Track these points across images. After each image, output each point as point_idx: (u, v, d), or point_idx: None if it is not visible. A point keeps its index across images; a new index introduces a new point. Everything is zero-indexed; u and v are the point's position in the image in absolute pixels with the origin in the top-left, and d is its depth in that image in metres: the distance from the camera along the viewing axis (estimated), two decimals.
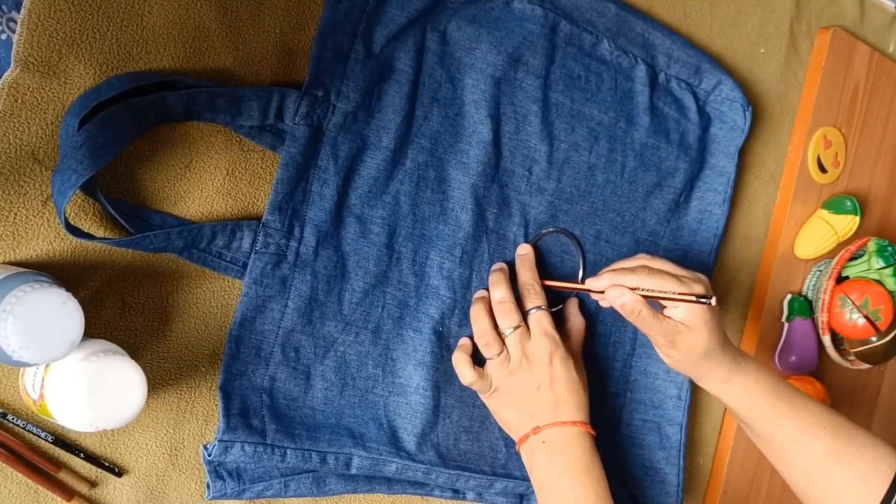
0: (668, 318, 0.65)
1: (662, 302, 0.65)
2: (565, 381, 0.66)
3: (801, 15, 0.86)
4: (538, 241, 0.71)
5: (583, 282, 0.68)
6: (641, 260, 0.66)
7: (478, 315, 0.66)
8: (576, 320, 0.71)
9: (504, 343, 0.66)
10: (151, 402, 0.58)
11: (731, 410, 0.71)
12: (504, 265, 0.69)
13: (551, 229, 0.71)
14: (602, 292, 0.65)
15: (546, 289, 0.69)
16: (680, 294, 0.63)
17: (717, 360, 0.67)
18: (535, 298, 0.67)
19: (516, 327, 0.66)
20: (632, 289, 0.64)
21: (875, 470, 0.64)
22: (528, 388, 0.66)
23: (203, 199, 0.59)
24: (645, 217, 0.76)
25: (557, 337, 0.66)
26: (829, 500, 0.66)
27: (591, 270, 0.74)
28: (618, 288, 0.64)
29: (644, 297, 0.64)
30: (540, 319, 0.67)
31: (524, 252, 0.70)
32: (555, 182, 0.71)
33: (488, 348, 0.66)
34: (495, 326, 0.66)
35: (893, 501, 0.63)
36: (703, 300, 0.64)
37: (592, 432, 0.66)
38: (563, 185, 0.72)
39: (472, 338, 0.68)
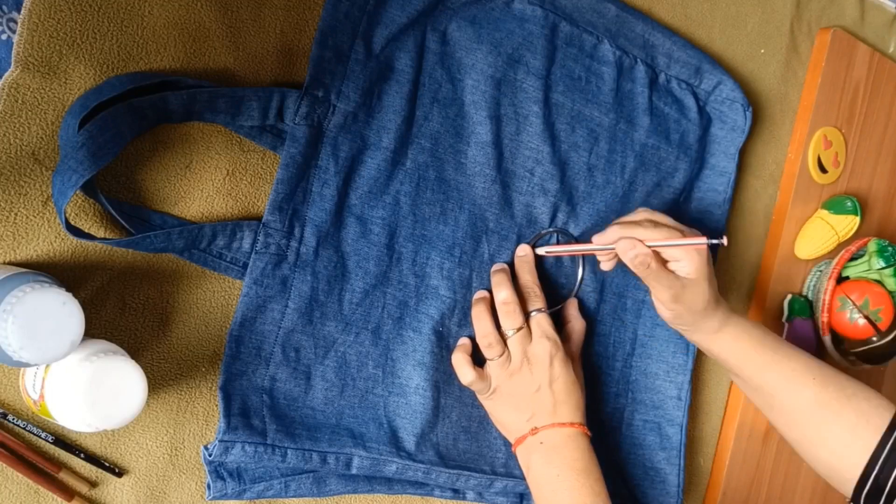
0: (673, 271, 0.67)
1: (665, 256, 0.66)
2: (564, 383, 0.66)
3: (801, 15, 0.86)
4: (537, 242, 0.71)
5: (573, 244, 0.69)
6: (644, 213, 0.67)
7: (480, 315, 0.67)
8: (576, 322, 0.71)
9: (505, 344, 0.66)
10: (152, 403, 0.58)
11: (721, 361, 0.72)
12: (505, 266, 0.69)
13: (551, 229, 0.71)
14: (611, 251, 0.67)
15: (544, 290, 0.69)
16: (689, 238, 0.65)
17: (712, 311, 0.69)
18: (535, 301, 0.68)
19: (519, 329, 0.66)
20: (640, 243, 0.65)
21: (867, 422, 0.64)
22: (527, 389, 0.66)
23: (203, 200, 0.59)
24: None
25: (558, 339, 0.67)
26: (820, 451, 0.67)
27: (590, 270, 0.74)
28: (629, 240, 0.65)
29: (653, 249, 0.65)
30: (541, 322, 0.67)
31: (523, 253, 0.70)
32: (557, 183, 0.71)
33: (490, 349, 0.66)
34: (497, 327, 0.66)
35: (884, 455, 0.63)
36: (716, 241, 0.65)
37: (589, 433, 0.66)
38: (564, 186, 0.71)
39: (472, 338, 0.68)
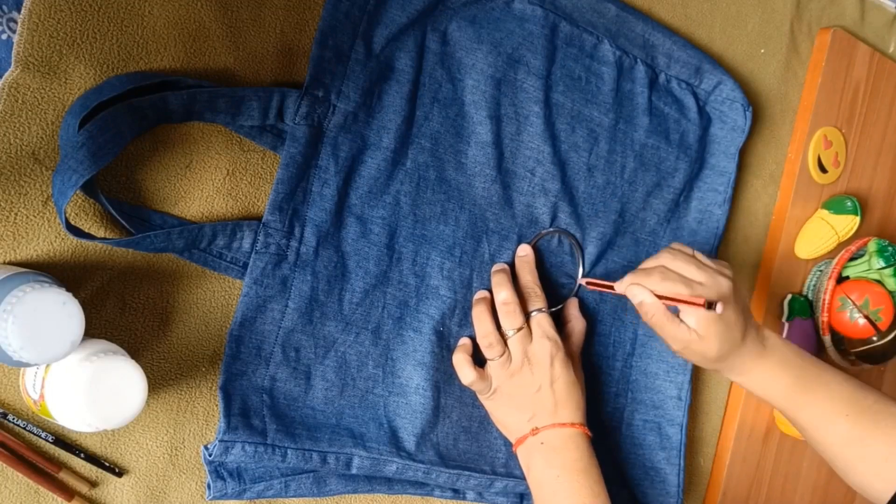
0: (683, 322, 0.66)
1: (680, 306, 0.66)
2: (565, 383, 0.66)
3: (801, 15, 0.86)
4: (538, 242, 0.71)
5: (609, 282, 0.69)
6: (663, 259, 0.66)
7: (480, 315, 0.67)
8: (577, 322, 0.71)
9: (506, 344, 0.66)
10: (152, 403, 0.58)
11: (756, 395, 0.72)
12: (506, 266, 0.69)
13: (551, 230, 0.71)
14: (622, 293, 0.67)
15: (545, 290, 0.69)
16: (689, 297, 0.64)
17: (732, 359, 0.68)
18: (536, 301, 0.68)
19: (519, 329, 0.66)
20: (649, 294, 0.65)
21: None
22: (528, 389, 0.66)
23: (203, 200, 0.59)
24: (645, 217, 0.76)
25: (558, 339, 0.67)
26: (851, 479, 0.67)
27: (591, 271, 0.74)
28: (637, 287, 0.66)
29: (661, 298, 0.65)
30: (541, 322, 0.67)
31: (524, 253, 0.70)
32: (557, 183, 0.71)
33: (491, 349, 0.66)
34: (498, 327, 0.66)
35: None
36: (712, 309, 0.65)
37: (590, 434, 0.66)
38: (565, 187, 0.71)
39: (473, 338, 0.68)
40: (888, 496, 0.64)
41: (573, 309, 0.72)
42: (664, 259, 0.66)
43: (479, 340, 0.67)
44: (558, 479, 0.63)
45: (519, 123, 0.69)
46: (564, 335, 0.70)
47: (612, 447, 0.76)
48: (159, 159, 0.57)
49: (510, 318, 0.66)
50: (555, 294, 0.72)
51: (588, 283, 0.71)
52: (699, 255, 0.67)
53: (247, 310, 0.59)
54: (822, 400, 0.67)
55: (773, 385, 0.69)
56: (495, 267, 0.69)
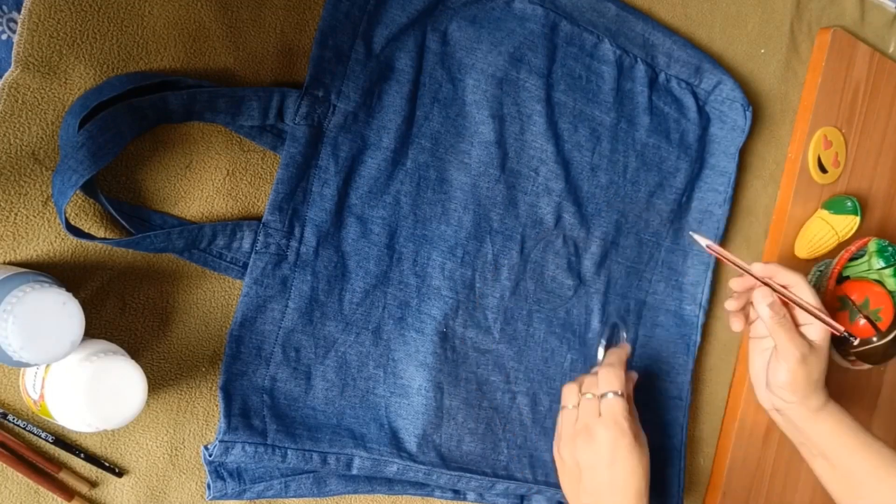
0: (804, 334, 0.68)
1: (797, 319, 0.69)
2: (624, 468, 0.65)
3: (801, 15, 0.86)
4: (604, 337, 0.74)
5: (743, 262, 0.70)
6: (801, 275, 0.69)
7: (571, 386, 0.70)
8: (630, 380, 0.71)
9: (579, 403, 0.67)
10: (152, 403, 0.58)
11: (810, 442, 0.72)
12: (629, 349, 0.73)
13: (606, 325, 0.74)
14: (760, 283, 0.68)
15: (550, 292, 0.70)
16: (842, 328, 0.69)
17: (820, 387, 0.70)
18: (613, 384, 0.67)
19: (594, 396, 0.67)
20: (783, 290, 0.68)
21: None
22: (584, 464, 0.66)
23: (203, 200, 0.59)
24: (648, 218, 0.76)
25: (628, 426, 0.65)
26: None
27: (593, 271, 0.74)
28: (766, 289, 0.67)
29: (797, 303, 0.68)
30: (615, 407, 0.66)
31: (623, 348, 0.72)
32: (561, 183, 0.71)
33: (569, 392, 0.68)
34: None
35: None
36: (848, 335, 0.69)
37: None
38: (568, 186, 0.71)
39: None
40: None
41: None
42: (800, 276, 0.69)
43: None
44: None
45: (522, 123, 0.69)
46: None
47: None
48: (159, 159, 0.57)
49: (603, 381, 0.67)
50: (558, 294, 0.72)
51: (709, 248, 0.69)
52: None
53: (247, 310, 0.59)
54: (882, 450, 0.69)
55: (841, 427, 0.70)
56: (621, 348, 0.73)
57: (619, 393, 0.67)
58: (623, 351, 0.72)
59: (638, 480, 0.65)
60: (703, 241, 0.69)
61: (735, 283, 0.71)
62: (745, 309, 0.73)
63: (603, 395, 0.67)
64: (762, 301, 0.67)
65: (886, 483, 0.68)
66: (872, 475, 0.69)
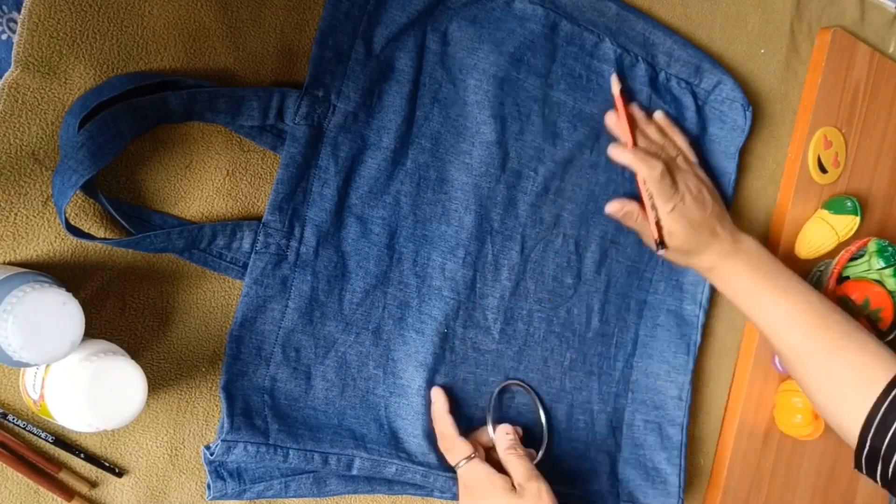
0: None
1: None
2: None
3: (801, 15, 0.86)
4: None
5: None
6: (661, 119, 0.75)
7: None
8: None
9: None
10: (152, 403, 0.58)
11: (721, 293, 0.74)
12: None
13: (511, 382, 0.70)
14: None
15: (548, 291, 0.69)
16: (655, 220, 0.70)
17: (702, 252, 0.71)
18: (510, 446, 0.65)
19: (468, 458, 0.63)
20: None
21: (860, 377, 0.63)
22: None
23: (203, 200, 0.59)
24: None
25: (546, 492, 0.61)
26: (818, 400, 0.67)
27: (594, 271, 0.74)
28: (620, 202, 0.71)
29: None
30: (519, 469, 0.62)
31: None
32: (560, 182, 0.71)
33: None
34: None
35: (878, 418, 0.61)
36: (658, 250, 0.71)
37: None
38: (568, 185, 0.71)
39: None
40: (851, 423, 0.62)
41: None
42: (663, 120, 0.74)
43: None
44: None
45: (522, 123, 0.69)
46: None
47: (613, 447, 0.76)
48: (159, 159, 0.57)
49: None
50: (558, 294, 0.72)
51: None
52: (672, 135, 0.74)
53: (247, 310, 0.59)
54: (783, 305, 0.68)
55: (737, 283, 0.71)
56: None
57: (518, 451, 0.64)
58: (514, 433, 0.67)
59: None
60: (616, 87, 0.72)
61: (610, 119, 0.73)
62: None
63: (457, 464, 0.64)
64: (613, 212, 0.72)
65: (787, 342, 0.67)
66: (773, 337, 0.69)
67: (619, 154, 0.71)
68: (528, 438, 0.70)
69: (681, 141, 0.74)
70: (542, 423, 0.71)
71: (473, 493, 0.62)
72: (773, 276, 0.70)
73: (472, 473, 0.63)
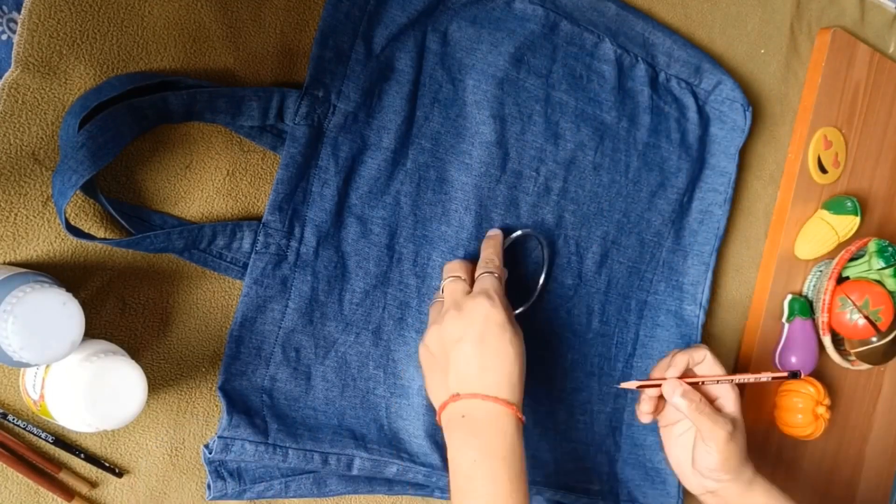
0: (722, 408, 0.68)
1: (708, 395, 0.69)
2: (495, 347, 0.58)
3: (801, 15, 0.86)
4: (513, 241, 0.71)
5: (656, 380, 0.70)
6: (705, 348, 0.69)
7: (452, 264, 0.65)
8: None
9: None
10: (152, 403, 0.58)
11: None
12: (500, 234, 0.67)
13: (520, 233, 0.70)
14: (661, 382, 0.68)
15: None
16: (769, 374, 0.68)
17: (747, 458, 0.69)
18: (488, 265, 0.63)
19: (456, 278, 0.62)
20: (694, 379, 0.67)
21: None
22: (450, 338, 0.59)
23: (203, 200, 0.59)
24: (650, 218, 0.76)
25: (501, 303, 0.59)
26: None
27: (595, 271, 0.74)
28: (672, 382, 0.67)
29: (701, 387, 0.68)
30: (485, 281, 0.61)
31: (494, 234, 0.67)
32: (561, 182, 0.71)
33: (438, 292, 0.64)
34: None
35: None
36: (795, 375, 0.69)
37: (522, 418, 0.58)
38: (570, 185, 0.71)
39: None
40: None
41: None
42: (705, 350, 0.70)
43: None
44: (475, 464, 0.56)
45: (523, 123, 0.69)
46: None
47: (612, 447, 0.76)
48: (159, 159, 0.57)
49: (453, 267, 0.63)
50: (558, 294, 0.72)
51: (640, 388, 0.70)
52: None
53: (247, 310, 0.59)
54: None
55: (774, 500, 0.69)
56: (490, 235, 0.67)
57: (494, 273, 0.62)
58: (496, 240, 0.66)
59: (511, 364, 0.58)
60: (633, 386, 0.70)
61: (646, 405, 0.71)
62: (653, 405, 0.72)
63: (477, 277, 0.62)
64: (673, 393, 0.66)
65: None
66: None
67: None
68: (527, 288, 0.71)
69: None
70: (540, 276, 0.71)
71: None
72: (787, 499, 0.70)
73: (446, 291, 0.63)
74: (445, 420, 0.59)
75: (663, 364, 0.71)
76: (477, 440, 0.57)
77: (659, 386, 0.69)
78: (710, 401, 0.68)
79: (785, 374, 0.68)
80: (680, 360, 0.69)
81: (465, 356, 0.58)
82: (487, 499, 0.56)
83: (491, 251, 0.65)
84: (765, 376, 0.67)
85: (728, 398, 0.68)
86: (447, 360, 0.59)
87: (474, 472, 0.56)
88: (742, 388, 0.85)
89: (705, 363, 0.69)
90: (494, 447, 0.56)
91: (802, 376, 0.67)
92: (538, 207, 0.70)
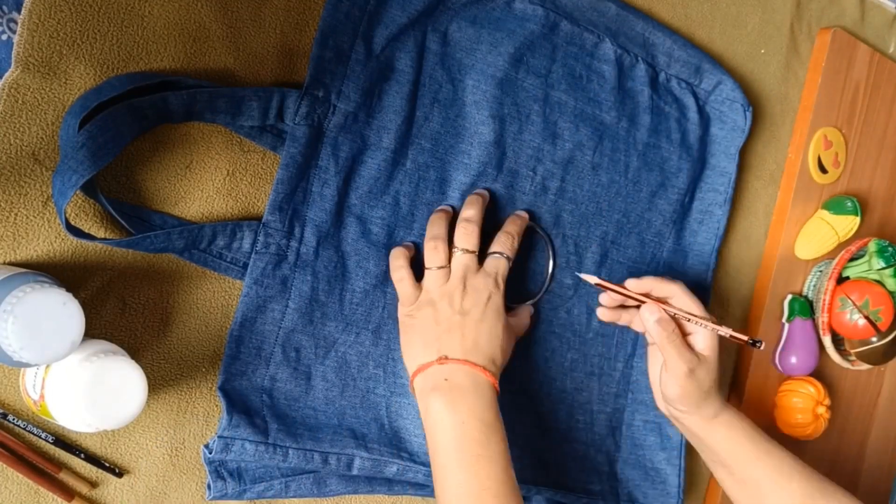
0: (691, 346, 0.68)
1: (684, 328, 0.68)
2: (490, 328, 0.62)
3: (801, 15, 0.86)
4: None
5: (621, 285, 0.69)
6: (680, 283, 0.68)
7: (437, 221, 0.64)
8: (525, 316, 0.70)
9: (451, 259, 0.63)
10: (152, 403, 0.58)
11: (710, 450, 0.71)
12: (487, 194, 0.67)
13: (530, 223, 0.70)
14: (643, 300, 0.68)
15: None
16: (730, 331, 0.67)
17: (714, 396, 0.69)
18: (507, 247, 0.65)
19: (469, 252, 0.63)
20: (666, 304, 0.67)
21: None
22: (451, 313, 0.61)
23: (203, 200, 0.59)
24: (651, 218, 0.76)
25: (503, 289, 0.63)
26: None
27: (595, 271, 0.74)
28: (653, 305, 0.67)
29: (677, 318, 0.67)
30: (499, 265, 0.64)
31: (523, 215, 0.68)
32: (559, 182, 0.71)
33: (435, 254, 0.62)
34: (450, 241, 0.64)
35: None
36: (756, 343, 0.68)
37: (497, 388, 0.61)
38: (568, 185, 0.71)
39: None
40: None
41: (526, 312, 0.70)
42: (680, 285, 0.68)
43: (425, 242, 0.64)
44: (463, 425, 0.58)
45: (521, 123, 0.69)
46: (512, 313, 0.68)
47: (612, 447, 0.76)
48: (159, 159, 0.57)
49: (468, 237, 0.63)
50: (558, 294, 0.72)
51: (598, 285, 0.70)
52: None
53: (247, 310, 0.59)
54: (778, 456, 0.68)
55: (735, 436, 0.69)
56: (477, 191, 0.67)
57: (509, 258, 0.65)
58: (522, 221, 0.68)
59: (498, 347, 0.62)
60: (593, 280, 0.69)
61: (604, 299, 0.71)
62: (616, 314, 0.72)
63: (489, 254, 0.64)
64: (650, 317, 0.67)
65: (786, 490, 0.67)
66: (772, 482, 0.68)
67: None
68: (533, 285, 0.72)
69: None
70: (547, 270, 0.72)
71: None
72: (759, 434, 0.70)
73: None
74: (423, 382, 0.61)
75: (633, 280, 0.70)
76: (463, 404, 0.59)
77: (620, 293, 0.69)
78: (685, 335, 0.68)
79: (745, 339, 0.67)
80: (648, 280, 0.68)
81: (462, 329, 0.61)
82: (486, 457, 0.57)
83: (515, 229, 0.66)
84: (724, 331, 0.67)
85: (700, 336, 0.67)
86: (439, 327, 0.61)
87: (462, 434, 0.58)
88: (742, 385, 0.85)
89: (675, 298, 0.68)
90: (482, 412, 0.59)
91: (762, 347, 0.67)
92: (535, 206, 0.70)
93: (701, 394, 0.68)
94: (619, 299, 0.70)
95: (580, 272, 0.72)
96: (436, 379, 0.60)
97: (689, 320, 0.67)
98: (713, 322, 0.67)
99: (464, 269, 0.63)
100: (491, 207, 0.68)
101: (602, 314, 0.72)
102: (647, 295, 0.68)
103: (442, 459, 0.58)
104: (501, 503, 0.56)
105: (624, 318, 0.72)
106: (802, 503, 0.67)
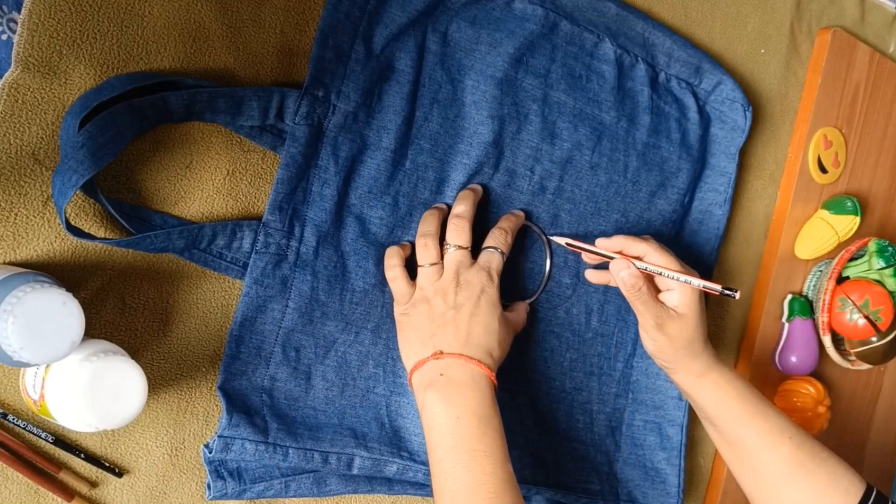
0: (662, 301, 0.67)
1: (659, 285, 0.67)
2: (484, 322, 0.62)
3: (801, 15, 0.86)
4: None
5: (592, 243, 0.69)
6: (652, 241, 0.68)
7: (428, 219, 0.64)
8: (522, 312, 0.69)
9: (443, 256, 0.63)
10: (152, 403, 0.58)
11: (699, 408, 0.71)
12: (480, 189, 0.67)
13: (526, 222, 0.70)
14: (611, 258, 0.67)
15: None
16: (703, 282, 0.66)
17: (697, 352, 0.68)
18: (500, 242, 0.65)
19: (462, 248, 0.63)
20: (638, 260, 0.66)
21: (836, 485, 0.65)
22: (444, 308, 0.62)
23: (203, 200, 0.59)
24: (650, 218, 0.76)
25: (497, 283, 0.63)
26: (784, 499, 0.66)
27: (586, 268, 0.74)
28: (623, 260, 0.66)
29: (650, 275, 0.66)
30: (492, 259, 0.64)
31: (519, 214, 0.68)
32: (557, 181, 0.71)
33: (425, 250, 0.63)
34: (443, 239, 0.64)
35: None
36: (729, 292, 0.66)
37: (495, 381, 0.61)
38: (566, 185, 0.71)
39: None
40: None
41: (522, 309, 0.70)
42: (653, 241, 0.68)
43: (416, 240, 0.64)
44: (458, 420, 0.58)
45: (520, 122, 0.69)
46: (509, 309, 0.68)
47: (612, 447, 0.76)
48: (159, 159, 0.57)
49: (459, 233, 0.63)
50: (556, 293, 0.72)
51: (568, 245, 0.69)
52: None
53: (247, 310, 0.59)
54: (767, 418, 0.67)
55: (723, 395, 0.68)
56: (469, 186, 0.67)
57: (503, 253, 0.65)
58: (517, 218, 0.68)
59: (494, 340, 0.62)
60: (562, 241, 0.69)
61: (587, 257, 0.71)
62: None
63: (483, 249, 0.64)
64: (617, 272, 0.66)
65: (775, 453, 0.66)
66: (761, 444, 0.67)
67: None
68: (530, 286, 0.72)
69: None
70: (545, 270, 0.72)
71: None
72: (752, 394, 0.69)
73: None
74: (420, 378, 0.61)
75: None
76: (459, 399, 0.59)
77: (592, 252, 0.69)
78: (659, 291, 0.68)
79: (718, 289, 0.66)
80: (619, 239, 0.68)
81: (456, 323, 0.61)
82: (482, 452, 0.57)
83: (509, 225, 0.66)
84: (696, 281, 0.66)
85: (675, 293, 0.66)
86: (433, 323, 0.61)
87: (458, 429, 0.57)
88: None
89: (648, 255, 0.67)
90: (475, 407, 0.58)
91: (738, 296, 0.66)
92: (533, 206, 0.70)
93: (676, 350, 0.67)
94: (598, 258, 0.70)
95: (552, 234, 0.72)
96: (432, 374, 0.60)
97: (660, 274, 0.66)
98: (685, 274, 0.66)
99: (456, 265, 0.63)
100: (489, 207, 0.68)
101: (590, 276, 0.72)
102: (619, 253, 0.68)
103: (438, 455, 0.58)
104: (499, 498, 0.55)
105: (613, 280, 0.71)
106: (791, 468, 0.65)
